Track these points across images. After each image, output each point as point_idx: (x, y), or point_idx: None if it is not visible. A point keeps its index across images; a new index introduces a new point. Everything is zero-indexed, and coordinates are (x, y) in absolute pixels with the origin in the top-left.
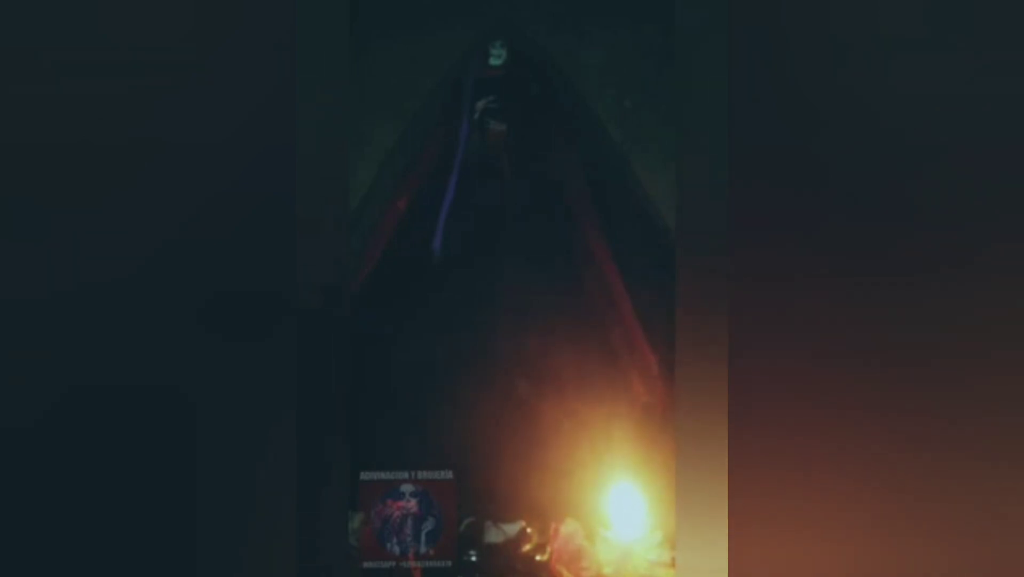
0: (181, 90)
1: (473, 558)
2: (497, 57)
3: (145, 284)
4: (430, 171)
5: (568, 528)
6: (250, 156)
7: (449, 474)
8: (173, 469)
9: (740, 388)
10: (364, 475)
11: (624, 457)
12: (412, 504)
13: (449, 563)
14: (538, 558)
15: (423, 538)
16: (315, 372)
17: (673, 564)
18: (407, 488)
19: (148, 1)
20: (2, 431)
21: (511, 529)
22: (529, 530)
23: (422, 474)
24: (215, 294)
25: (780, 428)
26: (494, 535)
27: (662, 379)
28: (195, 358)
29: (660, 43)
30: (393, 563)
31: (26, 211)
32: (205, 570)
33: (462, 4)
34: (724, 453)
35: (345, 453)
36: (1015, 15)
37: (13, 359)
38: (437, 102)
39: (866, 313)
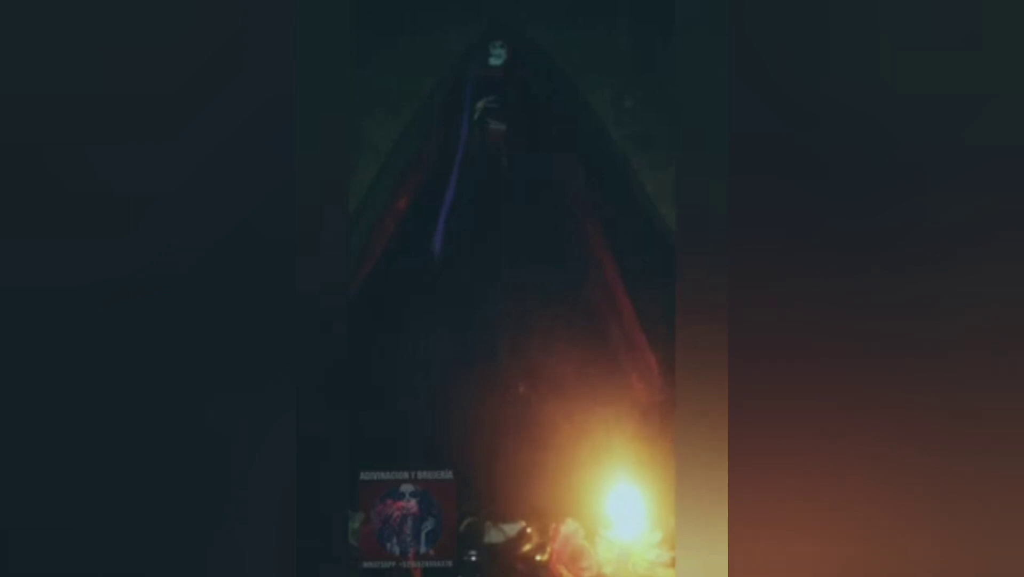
0: (180, 89)
1: (473, 558)
2: (497, 57)
3: (142, 284)
4: (430, 171)
5: (568, 528)
6: (250, 156)
7: (449, 474)
8: (170, 469)
9: (740, 388)
10: (364, 475)
11: (624, 457)
12: (412, 504)
13: (449, 563)
14: (538, 558)
15: (423, 538)
16: (314, 372)
17: (673, 564)
18: (407, 488)
19: (146, 1)
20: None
21: (511, 529)
22: (529, 530)
23: (422, 474)
24: (213, 294)
25: (780, 428)
26: (494, 535)
27: (662, 379)
28: (192, 357)
29: (660, 42)
30: (393, 563)
31: (25, 210)
32: (204, 570)
33: (462, 4)
34: (724, 453)
35: (345, 453)
36: (1014, 15)
37: (12, 356)
38: (437, 102)
39: (868, 313)
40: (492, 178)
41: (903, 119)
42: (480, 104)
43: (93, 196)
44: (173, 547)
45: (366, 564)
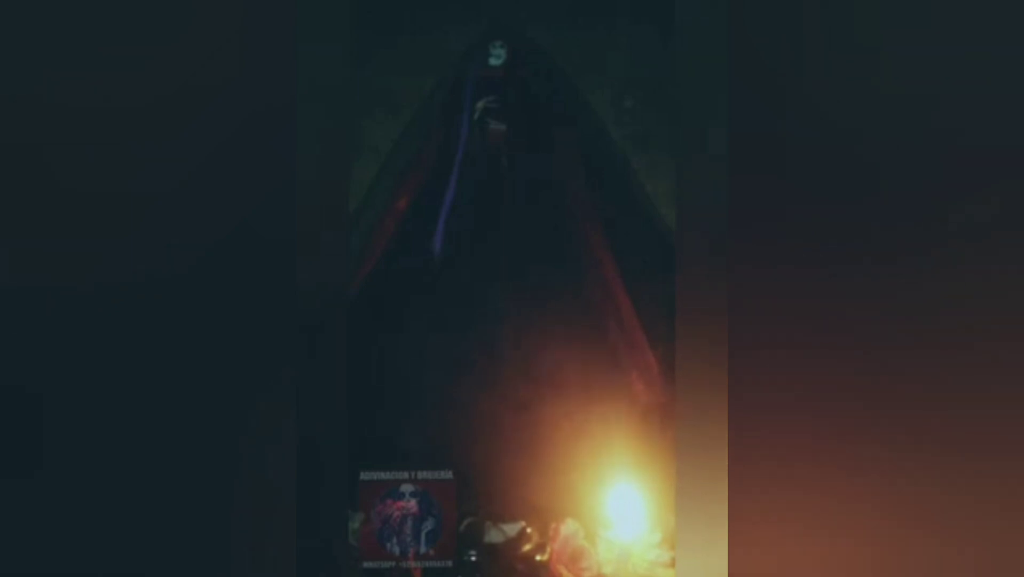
0: (180, 90)
1: (473, 558)
2: (497, 57)
3: (142, 284)
4: (430, 171)
5: (568, 528)
6: (250, 156)
7: (449, 474)
8: (170, 469)
9: (740, 388)
10: (364, 475)
11: (624, 457)
12: (412, 504)
13: (449, 563)
14: (538, 558)
15: (423, 538)
16: (314, 372)
17: (673, 564)
18: (407, 488)
19: (146, 1)
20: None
21: (511, 529)
22: (529, 530)
23: (422, 474)
24: (213, 294)
25: (780, 427)
26: (494, 535)
27: (662, 378)
28: (192, 358)
29: (660, 42)
30: (393, 563)
31: (25, 210)
32: (204, 570)
33: (462, 4)
34: (724, 453)
35: (345, 453)
36: (1014, 15)
37: (12, 355)
38: (437, 102)
39: (868, 312)
40: (492, 178)
41: (903, 119)
42: (480, 104)
43: (93, 196)
44: (173, 547)
45: (366, 564)
